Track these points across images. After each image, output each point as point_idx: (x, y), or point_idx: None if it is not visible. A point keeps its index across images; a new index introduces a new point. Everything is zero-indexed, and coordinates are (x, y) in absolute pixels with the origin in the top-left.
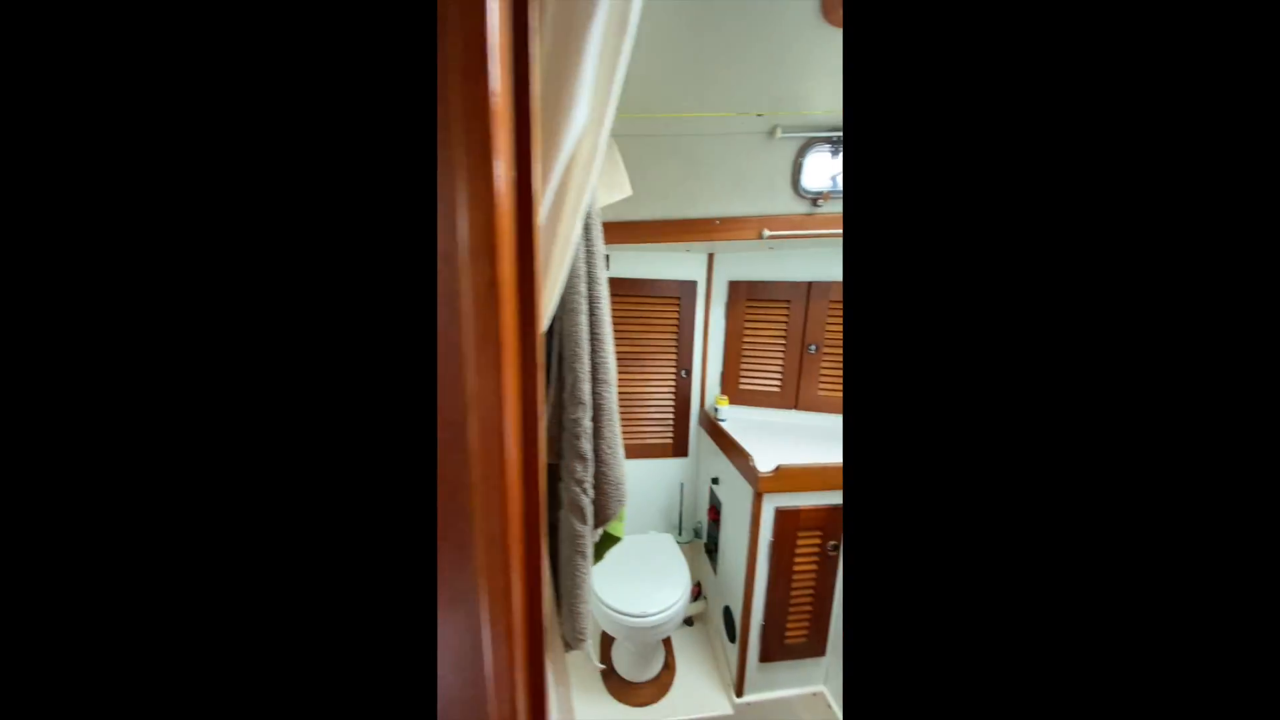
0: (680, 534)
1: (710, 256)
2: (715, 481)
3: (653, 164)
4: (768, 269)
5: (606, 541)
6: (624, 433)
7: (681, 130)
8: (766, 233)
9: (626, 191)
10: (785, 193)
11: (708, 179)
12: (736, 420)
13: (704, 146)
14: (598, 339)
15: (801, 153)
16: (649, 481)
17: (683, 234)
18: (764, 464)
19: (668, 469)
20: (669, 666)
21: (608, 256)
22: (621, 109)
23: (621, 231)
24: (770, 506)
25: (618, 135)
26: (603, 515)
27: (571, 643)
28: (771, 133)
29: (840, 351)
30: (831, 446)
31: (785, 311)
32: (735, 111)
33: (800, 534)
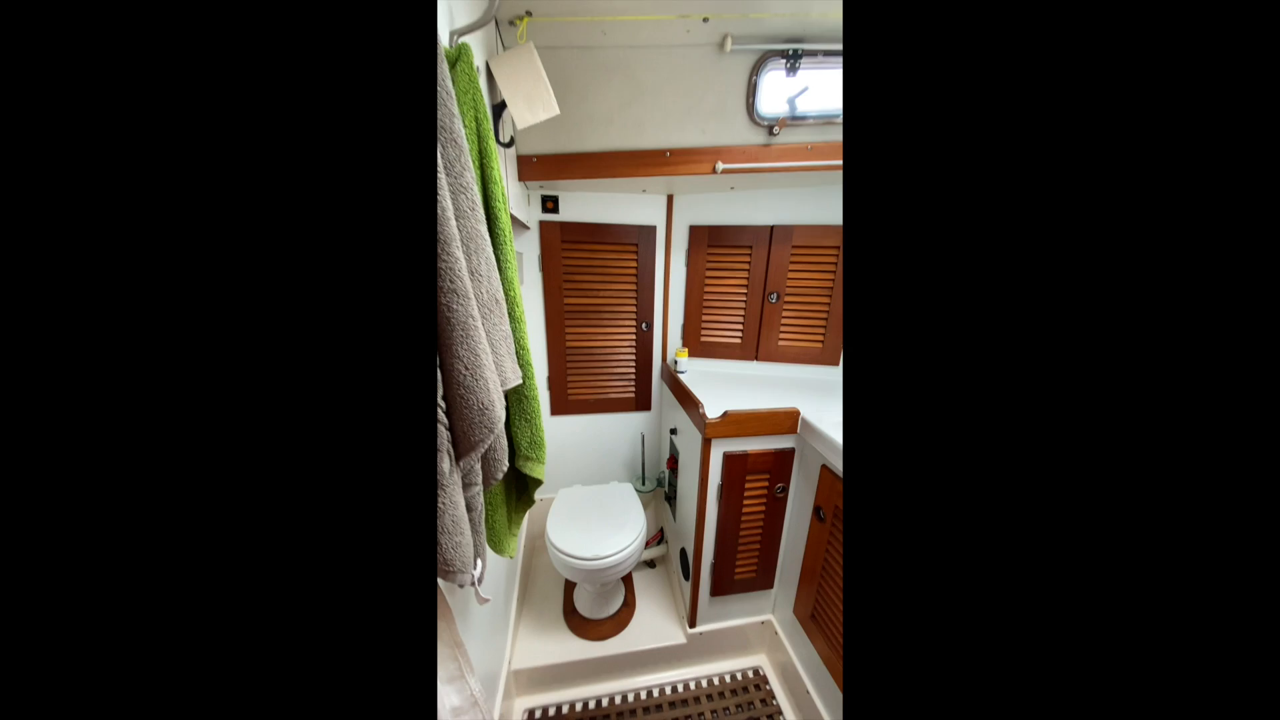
0: (643, 483)
1: (669, 199)
2: (674, 432)
3: (593, 84)
4: (729, 211)
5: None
6: (586, 388)
7: (620, 41)
8: (720, 166)
9: (552, 109)
10: (740, 118)
11: (654, 102)
12: (696, 373)
13: (647, 62)
14: (444, 238)
15: (756, 70)
16: (611, 434)
17: (632, 167)
18: (713, 410)
19: (630, 422)
20: (629, 604)
21: (555, 199)
22: (545, 12)
23: (567, 165)
24: (719, 451)
25: (546, 48)
26: (465, 443)
27: (441, 574)
28: (722, 44)
29: (800, 301)
30: (784, 393)
31: (747, 259)
32: (677, 14)
33: (749, 477)
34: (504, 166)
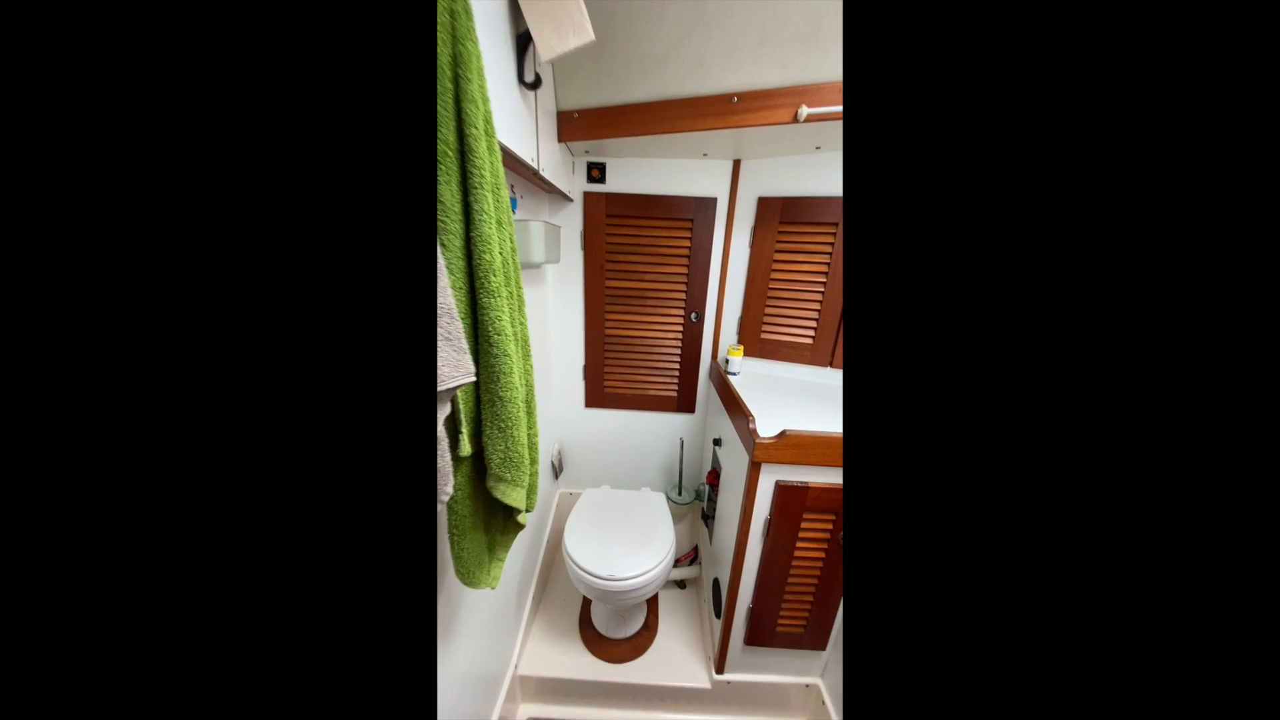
0: (679, 494)
1: (735, 166)
2: (718, 443)
3: (643, 13)
4: (811, 179)
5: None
6: (624, 381)
7: None
8: (805, 110)
9: (586, 33)
10: (838, 43)
11: (719, 31)
12: (751, 375)
13: None
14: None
15: None
16: (649, 435)
17: (690, 118)
18: (767, 427)
19: (671, 424)
20: (649, 628)
21: (602, 166)
22: None
23: (612, 120)
24: (769, 479)
25: None
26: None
27: None
28: None
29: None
30: None
31: (830, 239)
32: None
33: (807, 515)
34: (536, 119)
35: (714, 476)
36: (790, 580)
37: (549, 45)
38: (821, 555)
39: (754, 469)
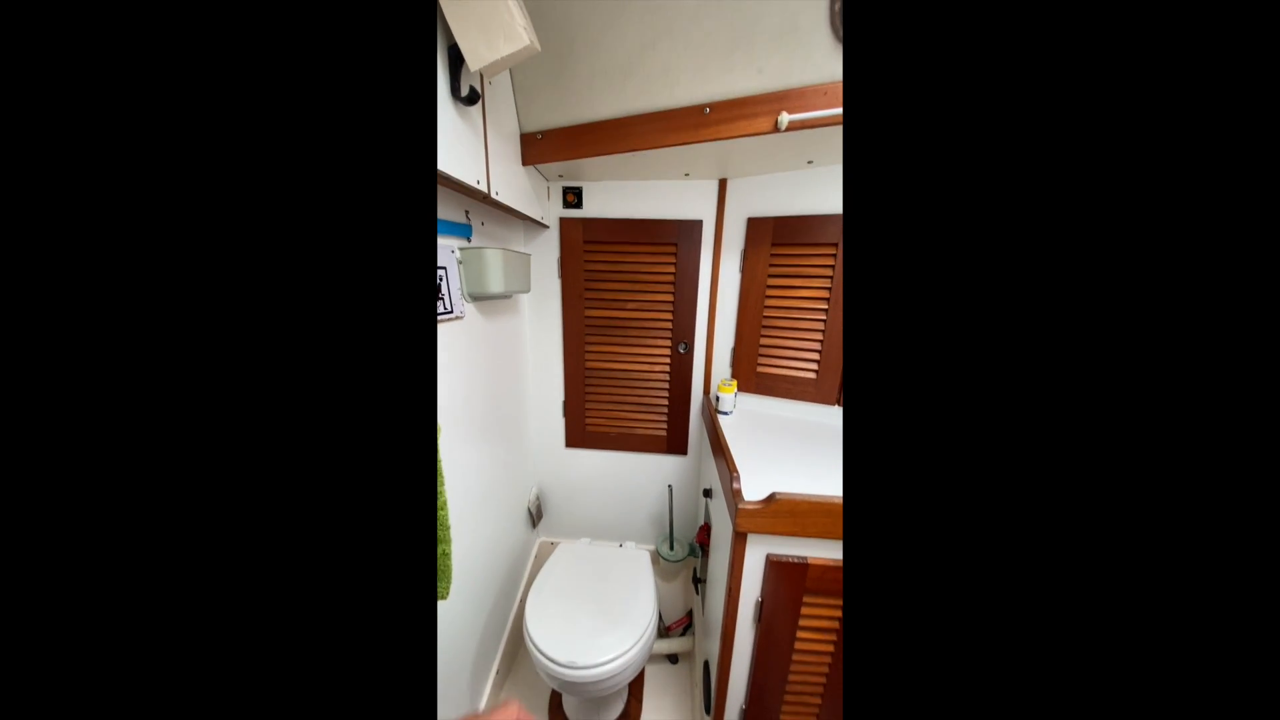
0: (671, 548)
1: (721, 185)
2: (708, 495)
3: (604, 22)
4: (805, 197)
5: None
6: (607, 418)
7: None
8: (786, 118)
9: (519, 38)
10: (820, 38)
11: (686, 37)
12: (746, 414)
13: None
14: None
15: None
16: (636, 479)
17: (659, 133)
18: (755, 485)
19: (660, 467)
20: (629, 716)
21: (578, 191)
22: None
23: (578, 140)
24: (758, 552)
25: None
26: None
27: None
28: None
29: None
30: None
31: (830, 260)
32: None
33: (809, 599)
34: (485, 139)
35: (705, 534)
36: (791, 678)
37: (477, 54)
38: (830, 649)
39: (739, 541)
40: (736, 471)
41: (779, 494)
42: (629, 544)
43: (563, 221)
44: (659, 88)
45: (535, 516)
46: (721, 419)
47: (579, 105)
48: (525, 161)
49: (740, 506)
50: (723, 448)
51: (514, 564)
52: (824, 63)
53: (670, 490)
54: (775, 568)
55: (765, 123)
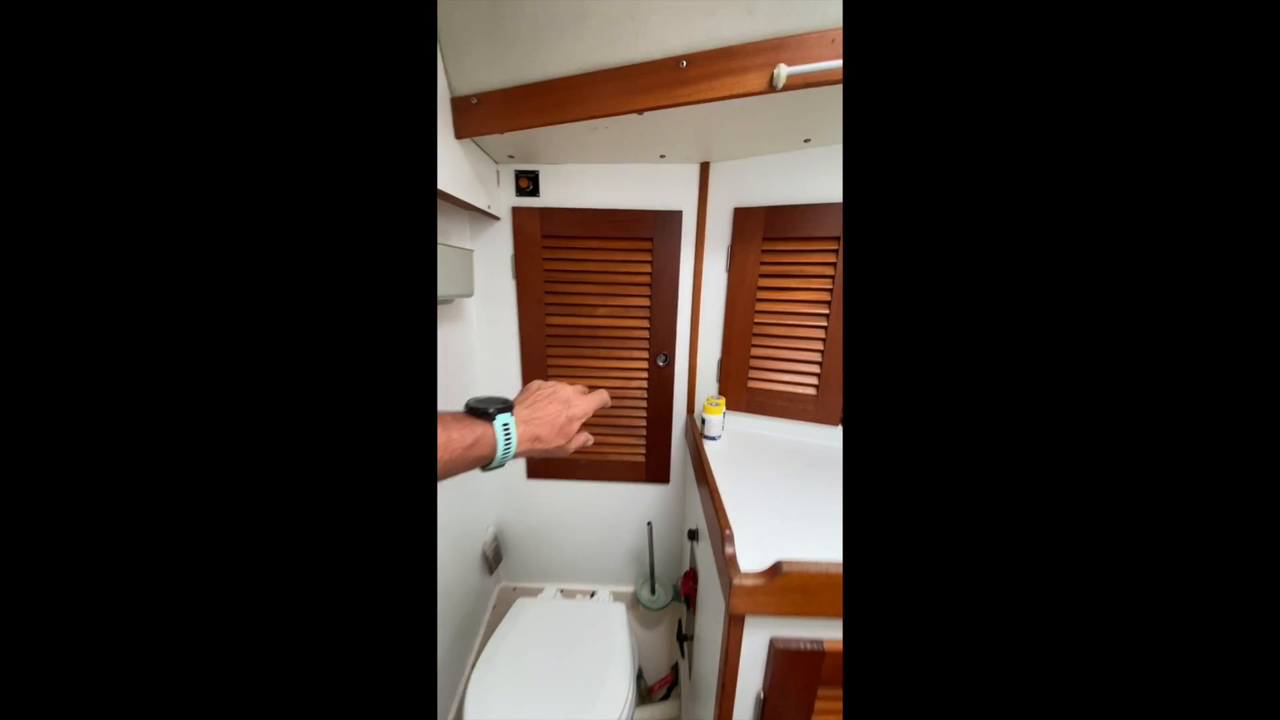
0: (652, 592)
1: (703, 170)
2: (693, 537)
3: None
4: (801, 183)
5: None
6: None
7: None
8: (784, 71)
9: None
10: None
11: None
12: (737, 437)
13: None
14: None
15: None
16: (610, 511)
17: (623, 95)
18: (751, 549)
19: (638, 499)
20: None
21: (533, 175)
22: None
23: (523, 105)
24: (760, 637)
25: None
26: None
27: None
28: None
29: None
30: None
31: (831, 257)
32: None
33: (824, 693)
34: None
35: (691, 581)
36: None
37: None
38: None
39: (734, 624)
40: (729, 529)
41: (787, 563)
42: (603, 591)
43: (516, 212)
44: (622, 36)
45: (493, 561)
46: (708, 446)
47: (522, 61)
48: (460, 133)
49: (736, 582)
50: (710, 487)
51: (466, 619)
52: (829, 4)
53: (650, 528)
54: (782, 656)
55: (757, 79)
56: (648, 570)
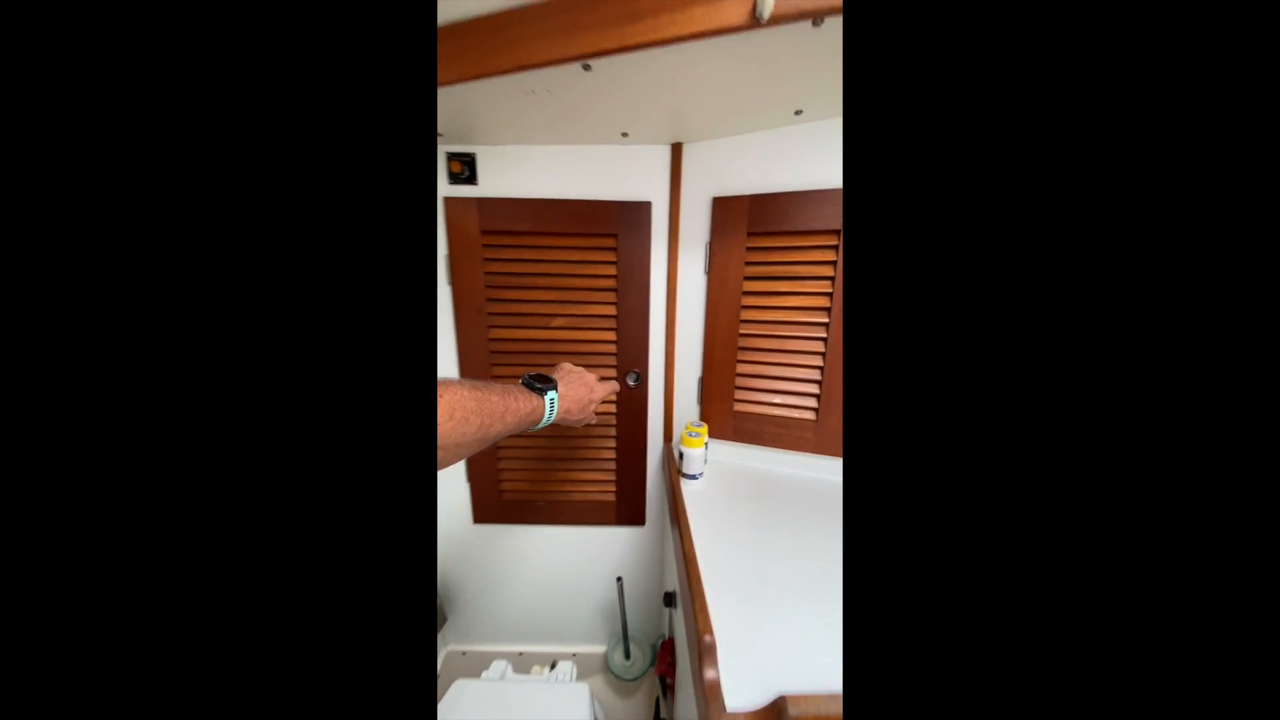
0: (626, 657)
1: (675, 152)
2: (670, 602)
3: None
4: (792, 165)
5: None
6: (530, 480)
7: None
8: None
9: None
10: None
11: None
12: (723, 472)
13: None
14: None
15: None
16: (576, 559)
17: (557, 39)
18: (743, 677)
19: (608, 545)
20: None
21: (468, 159)
22: None
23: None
24: None
25: None
26: None
27: None
28: None
29: None
30: None
31: (830, 255)
32: None
33: None
34: None
35: (669, 656)
36: None
37: None
38: None
39: None
40: (709, 635)
41: (794, 700)
42: (565, 664)
43: (448, 203)
44: None
45: (436, 619)
46: (687, 488)
47: None
48: None
49: None
50: (687, 553)
51: None
52: None
53: (620, 585)
54: None
55: (735, 10)
56: (620, 630)
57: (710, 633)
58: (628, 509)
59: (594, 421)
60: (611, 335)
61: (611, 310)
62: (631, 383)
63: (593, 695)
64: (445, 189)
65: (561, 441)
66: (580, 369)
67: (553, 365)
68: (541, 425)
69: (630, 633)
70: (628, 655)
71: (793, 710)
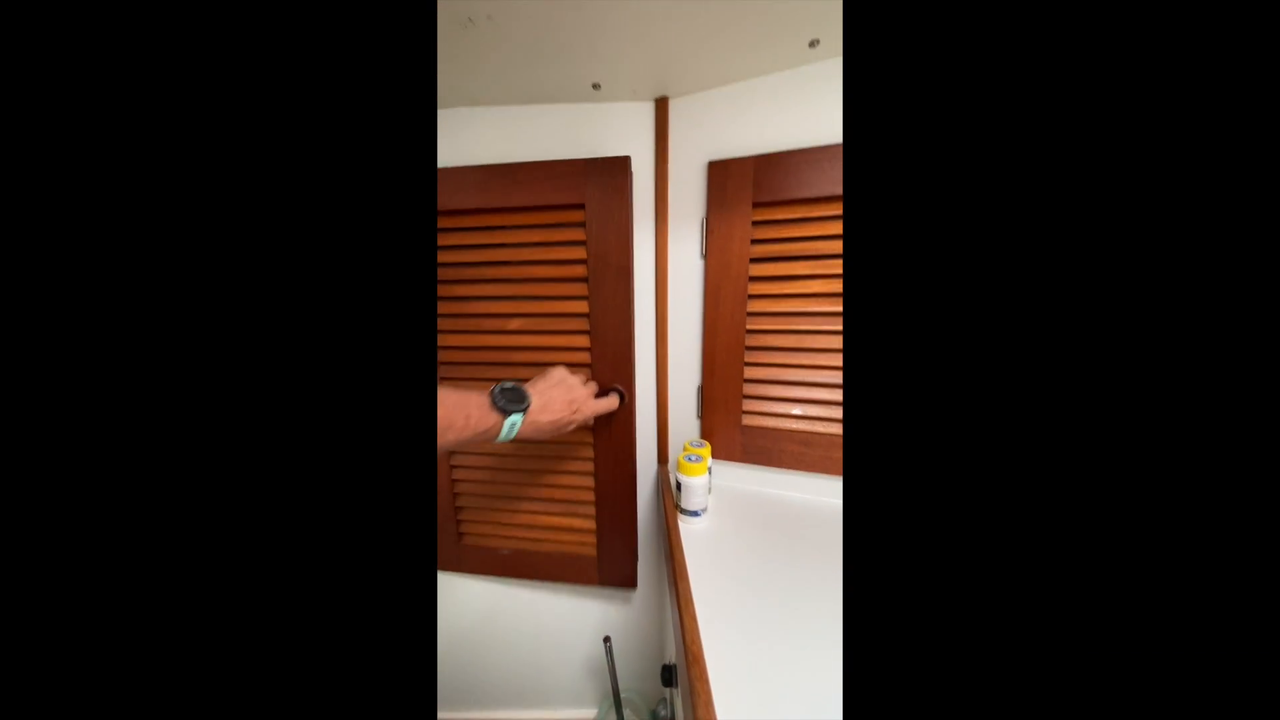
0: None
1: (660, 108)
2: (668, 680)
3: None
4: (805, 116)
5: None
6: (494, 525)
7: None
8: None
9: None
10: None
11: None
12: (730, 506)
13: None
14: None
15: None
16: (549, 618)
17: None
18: None
19: (590, 614)
20: None
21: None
22: None
23: None
24: None
25: None
26: None
27: None
28: None
29: None
30: None
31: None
32: None
33: None
34: None
35: None
36: None
37: None
38: None
39: None
40: None
41: None
42: None
43: None
44: None
45: None
46: (686, 529)
47: None
48: None
49: None
50: (688, 638)
51: None
52: None
53: (608, 646)
54: None
55: None
56: (611, 691)
57: None
58: (613, 566)
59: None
60: (584, 340)
61: (583, 306)
62: (617, 400)
63: None
64: None
65: (523, 475)
66: (574, 379)
67: (541, 372)
68: (501, 440)
69: (624, 695)
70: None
71: None
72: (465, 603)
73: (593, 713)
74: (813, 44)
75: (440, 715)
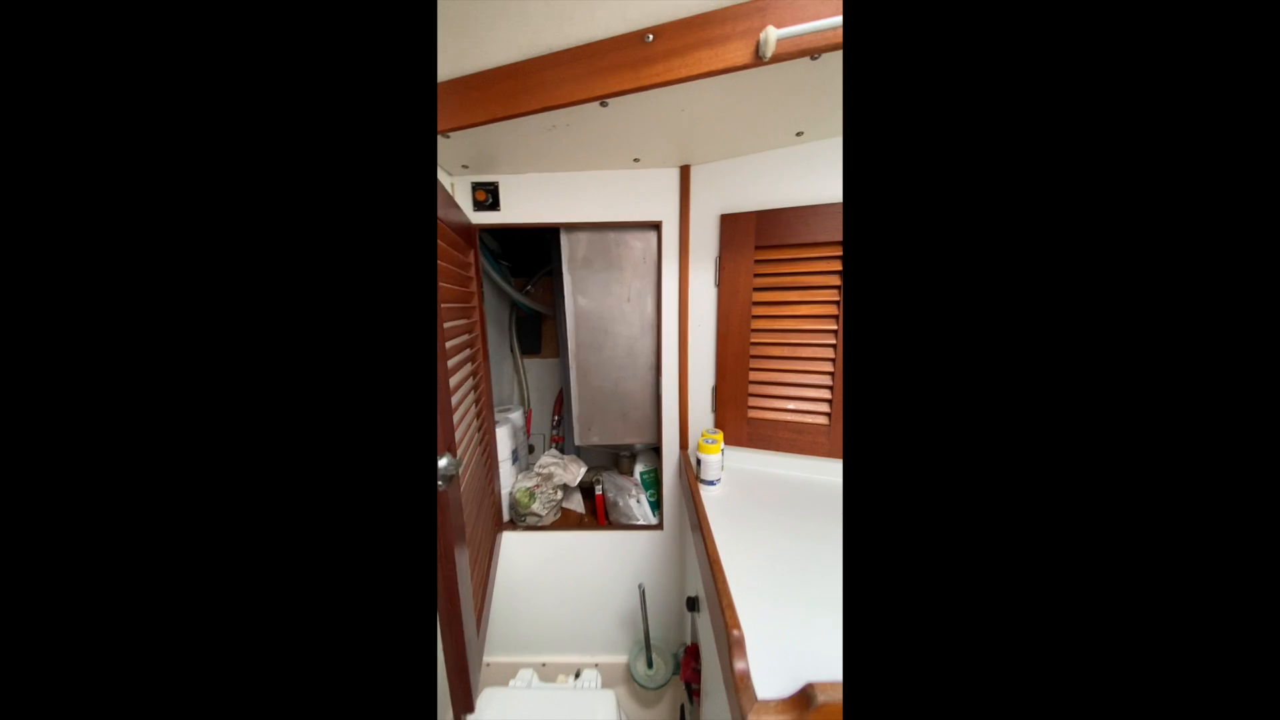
0: (649, 666)
1: (684, 174)
2: (693, 606)
3: None
4: (795, 182)
5: None
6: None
7: None
8: (774, 35)
9: None
10: None
11: None
12: (739, 480)
13: None
14: None
15: None
16: (591, 569)
17: (579, 82)
18: (771, 668)
19: (632, 551)
20: None
21: (492, 187)
22: None
23: (466, 100)
24: None
25: None
26: None
27: None
28: None
29: None
30: None
31: (837, 265)
32: None
33: None
34: None
35: (694, 661)
36: None
37: None
38: None
39: None
40: (737, 629)
41: (821, 687)
42: (590, 672)
43: (476, 230)
44: (571, 11)
45: None
46: (706, 493)
47: (458, 49)
48: None
49: (751, 718)
50: (710, 555)
51: None
52: None
53: (642, 593)
54: None
55: (741, 49)
56: (642, 639)
57: (738, 627)
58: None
59: None
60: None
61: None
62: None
63: (619, 702)
64: (473, 216)
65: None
66: None
67: None
68: None
69: (652, 642)
70: (650, 664)
71: (820, 697)
72: (517, 559)
73: (625, 658)
74: (799, 134)
75: (499, 659)
